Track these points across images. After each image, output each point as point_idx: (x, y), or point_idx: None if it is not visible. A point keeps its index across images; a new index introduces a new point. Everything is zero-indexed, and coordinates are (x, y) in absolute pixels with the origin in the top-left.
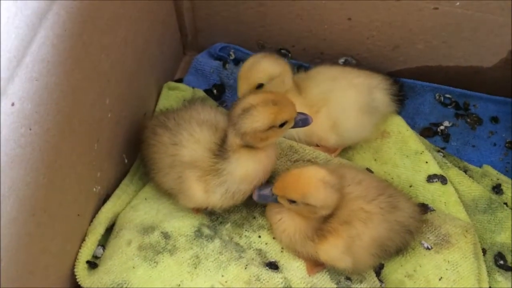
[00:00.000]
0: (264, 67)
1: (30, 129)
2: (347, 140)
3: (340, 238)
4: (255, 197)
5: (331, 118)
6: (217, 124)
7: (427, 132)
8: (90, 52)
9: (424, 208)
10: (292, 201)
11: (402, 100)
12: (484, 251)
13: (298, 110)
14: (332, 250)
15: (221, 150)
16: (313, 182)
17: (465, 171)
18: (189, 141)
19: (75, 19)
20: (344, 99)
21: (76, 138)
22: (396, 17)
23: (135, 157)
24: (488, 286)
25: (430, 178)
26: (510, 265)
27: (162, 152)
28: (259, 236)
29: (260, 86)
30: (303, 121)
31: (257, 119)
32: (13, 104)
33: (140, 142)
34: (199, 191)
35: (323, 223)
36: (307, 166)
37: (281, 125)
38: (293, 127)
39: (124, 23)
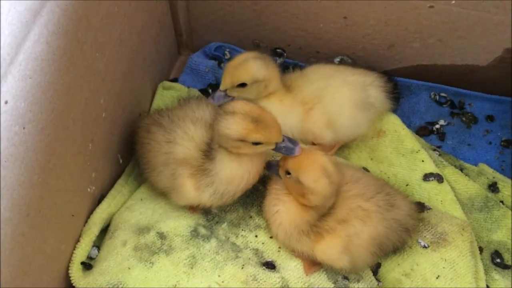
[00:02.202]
0: (250, 69)
1: (24, 128)
2: (343, 136)
3: (338, 237)
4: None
5: (326, 115)
6: (212, 122)
7: (423, 131)
8: (84, 50)
9: (420, 206)
10: (288, 173)
11: (397, 98)
12: (480, 250)
13: (289, 108)
14: (329, 249)
15: (209, 150)
16: (313, 163)
17: (461, 170)
18: (183, 139)
19: (70, 17)
20: (339, 95)
21: (70, 137)
22: (391, 16)
23: (130, 157)
24: (485, 284)
25: (426, 177)
26: (507, 263)
27: (156, 150)
28: (256, 236)
29: (242, 84)
30: (287, 149)
31: (229, 126)
32: (6, 102)
33: (134, 142)
34: (191, 188)
35: (319, 221)
36: (319, 151)
37: (256, 143)
38: (276, 150)
39: (119, 22)
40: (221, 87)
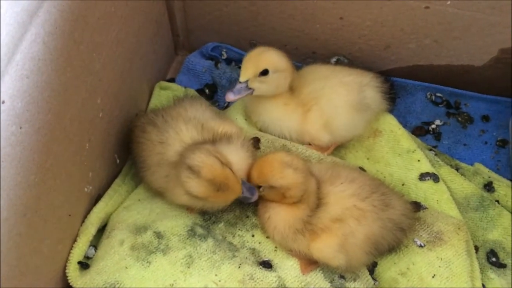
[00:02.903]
0: (273, 57)
1: (21, 128)
2: (339, 137)
3: (334, 236)
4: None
5: (322, 117)
6: (205, 122)
7: (419, 131)
8: (81, 50)
9: (416, 206)
10: (259, 187)
11: (394, 98)
12: (476, 249)
13: (292, 110)
14: (326, 248)
15: None
16: (269, 164)
17: (457, 169)
18: (175, 140)
19: (67, 17)
20: (335, 97)
21: (67, 137)
22: (387, 17)
23: (127, 157)
24: (481, 283)
25: (422, 176)
26: (502, 262)
27: (150, 149)
28: (253, 235)
29: (265, 72)
30: (244, 199)
31: (192, 186)
32: (3, 102)
33: (130, 141)
34: (182, 193)
35: (313, 218)
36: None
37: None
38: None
39: (116, 22)
40: (242, 78)
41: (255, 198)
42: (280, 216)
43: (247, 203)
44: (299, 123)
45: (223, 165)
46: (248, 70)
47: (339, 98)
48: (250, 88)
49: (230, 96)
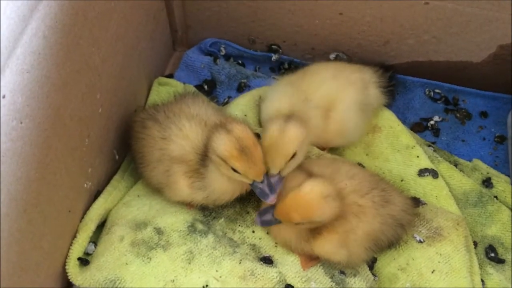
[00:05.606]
0: (295, 136)
1: (21, 123)
2: (350, 140)
3: (335, 233)
4: (257, 223)
5: (337, 122)
6: (208, 119)
7: (418, 127)
8: (81, 45)
9: (415, 202)
10: (298, 223)
11: (392, 92)
12: (475, 244)
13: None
14: (327, 245)
15: (204, 155)
16: (314, 202)
17: (456, 165)
18: (177, 136)
19: (67, 11)
20: (346, 100)
21: (67, 132)
22: (387, 12)
23: (126, 153)
24: (480, 278)
25: (421, 172)
26: (500, 257)
27: (151, 145)
28: (253, 231)
29: (293, 155)
30: (261, 192)
31: (217, 142)
32: (4, 97)
33: (129, 136)
34: (185, 186)
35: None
36: (303, 184)
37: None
38: (251, 187)
39: (116, 18)
40: (274, 171)
41: (271, 199)
42: (288, 226)
43: (262, 199)
44: (317, 128)
45: (255, 137)
46: (276, 161)
47: (350, 101)
48: (283, 176)
49: (271, 199)
